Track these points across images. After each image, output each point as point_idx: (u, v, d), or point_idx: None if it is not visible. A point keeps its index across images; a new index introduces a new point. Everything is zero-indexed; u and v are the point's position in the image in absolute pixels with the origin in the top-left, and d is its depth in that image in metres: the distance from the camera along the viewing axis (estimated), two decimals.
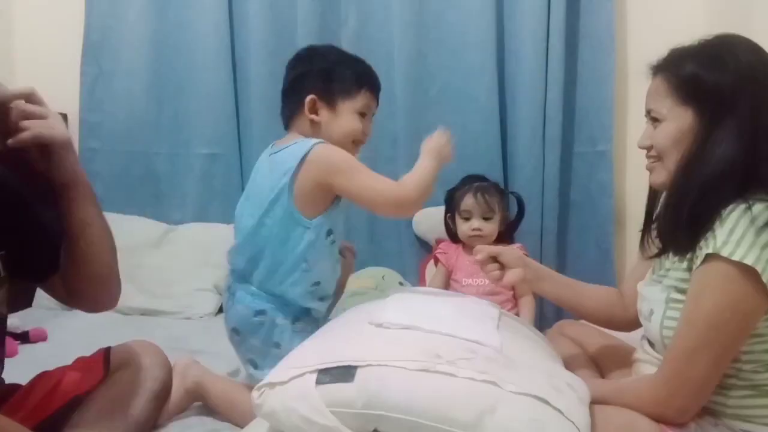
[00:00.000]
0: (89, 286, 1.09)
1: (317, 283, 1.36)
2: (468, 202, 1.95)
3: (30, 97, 0.97)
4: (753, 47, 1.06)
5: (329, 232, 1.34)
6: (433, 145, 1.36)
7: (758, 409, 1.02)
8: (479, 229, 1.94)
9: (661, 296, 1.09)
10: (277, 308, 1.33)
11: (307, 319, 1.36)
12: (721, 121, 1.02)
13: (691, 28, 2.33)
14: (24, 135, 0.94)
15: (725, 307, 0.96)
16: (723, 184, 1.00)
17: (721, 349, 0.98)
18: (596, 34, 2.19)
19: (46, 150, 0.98)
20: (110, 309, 1.16)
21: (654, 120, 1.12)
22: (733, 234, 0.95)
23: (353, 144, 1.39)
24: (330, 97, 1.36)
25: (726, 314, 0.96)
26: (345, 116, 1.36)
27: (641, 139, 1.16)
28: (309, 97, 1.35)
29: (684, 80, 1.06)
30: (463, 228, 1.97)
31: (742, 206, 0.96)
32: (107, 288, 1.12)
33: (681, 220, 1.04)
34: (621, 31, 2.22)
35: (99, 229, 1.07)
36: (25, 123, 0.94)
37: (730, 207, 0.97)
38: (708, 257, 0.97)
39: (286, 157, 1.31)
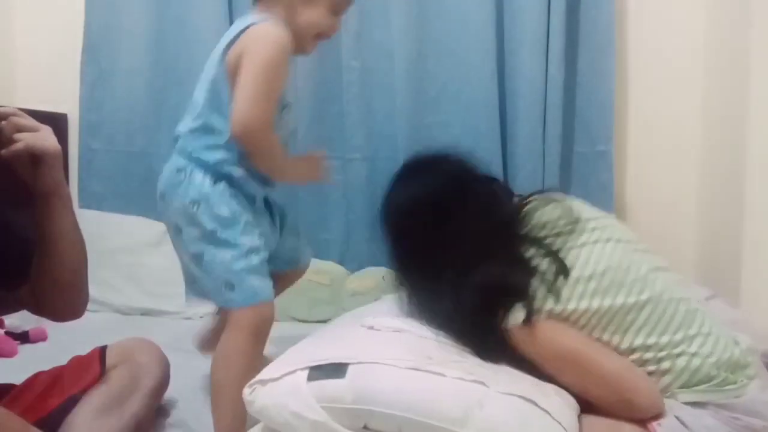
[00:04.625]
0: (58, 295, 1.10)
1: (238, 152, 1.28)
2: None
3: (16, 114, 1.00)
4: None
5: None
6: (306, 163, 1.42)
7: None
8: None
9: None
10: (196, 167, 1.29)
11: (229, 182, 1.29)
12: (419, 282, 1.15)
13: (691, 27, 2.33)
14: (17, 146, 0.98)
15: (549, 344, 1.04)
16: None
17: (591, 351, 1.03)
18: (596, 34, 2.18)
19: (36, 160, 1.01)
20: (77, 318, 1.17)
21: None
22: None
23: (315, 37, 1.33)
24: None
25: (555, 348, 1.04)
26: (319, 8, 1.30)
27: None
28: None
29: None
30: None
31: None
32: (76, 298, 1.14)
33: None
34: (621, 31, 2.22)
35: (74, 239, 1.09)
36: (18, 135, 0.98)
37: None
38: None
39: (231, 29, 1.28)
